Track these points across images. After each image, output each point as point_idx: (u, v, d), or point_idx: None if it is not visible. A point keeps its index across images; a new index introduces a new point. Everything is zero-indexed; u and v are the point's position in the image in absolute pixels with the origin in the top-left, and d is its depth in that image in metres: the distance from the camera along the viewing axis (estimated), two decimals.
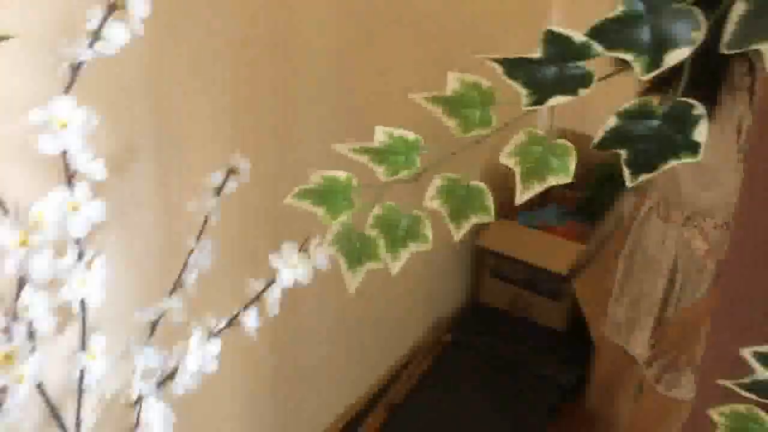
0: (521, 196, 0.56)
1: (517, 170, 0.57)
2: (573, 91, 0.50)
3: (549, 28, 0.47)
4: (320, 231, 1.95)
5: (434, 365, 2.18)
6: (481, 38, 2.13)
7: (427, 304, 2.31)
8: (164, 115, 1.21)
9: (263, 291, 0.87)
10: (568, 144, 0.54)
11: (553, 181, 0.58)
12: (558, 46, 0.48)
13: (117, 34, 0.72)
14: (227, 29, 1.29)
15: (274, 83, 1.46)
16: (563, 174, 0.56)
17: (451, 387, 2.11)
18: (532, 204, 2.57)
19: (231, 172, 1.05)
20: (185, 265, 1.03)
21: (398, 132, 0.55)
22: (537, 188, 0.56)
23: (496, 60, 0.49)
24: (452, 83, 0.54)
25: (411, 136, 0.55)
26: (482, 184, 0.58)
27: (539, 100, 0.50)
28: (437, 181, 0.58)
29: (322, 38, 1.54)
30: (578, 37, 0.47)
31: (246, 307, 0.87)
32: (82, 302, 0.82)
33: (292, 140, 1.55)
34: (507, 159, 0.56)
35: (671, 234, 1.62)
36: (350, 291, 0.55)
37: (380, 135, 0.55)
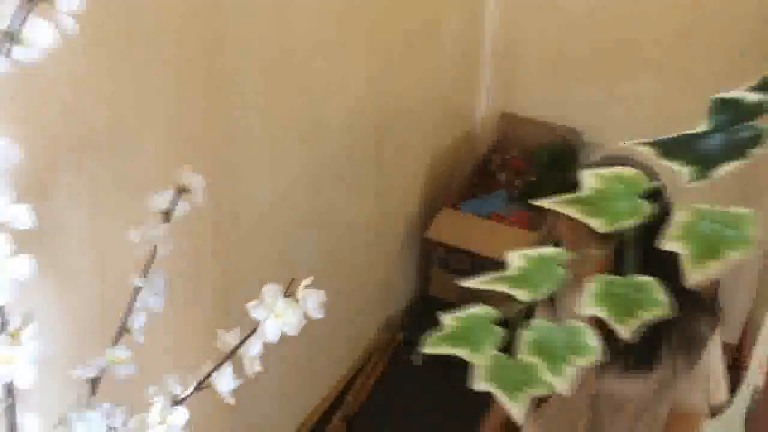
0: (693, 277, 0.49)
1: (686, 252, 0.48)
2: (743, 155, 0.39)
3: (717, 96, 0.38)
4: (308, 266, 1.78)
5: (388, 368, 2.07)
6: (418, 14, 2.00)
7: (378, 302, 2.19)
8: (94, 123, 1.01)
9: (239, 346, 0.71)
10: (743, 211, 0.42)
11: (735, 255, 0.49)
12: (727, 111, 0.38)
13: (41, 35, 0.54)
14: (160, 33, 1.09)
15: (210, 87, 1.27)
16: (742, 245, 0.46)
17: (405, 390, 2.01)
18: (477, 191, 2.48)
19: (181, 190, 0.88)
20: (130, 307, 0.85)
21: (535, 254, 0.55)
22: (714, 268, 0.49)
23: (647, 144, 0.39)
24: (590, 181, 0.48)
25: (550, 252, 0.54)
26: (648, 279, 0.52)
27: (705, 174, 0.39)
28: (594, 286, 0.53)
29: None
30: (750, 97, 0.37)
31: (218, 366, 0.71)
32: (9, 385, 0.63)
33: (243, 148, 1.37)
34: (672, 244, 0.46)
35: None
36: (519, 421, 0.53)
37: (516, 260, 0.55)
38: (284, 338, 1.93)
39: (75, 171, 0.96)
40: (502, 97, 2.55)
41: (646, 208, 0.50)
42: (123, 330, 0.86)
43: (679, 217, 0.46)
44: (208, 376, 0.71)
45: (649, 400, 1.35)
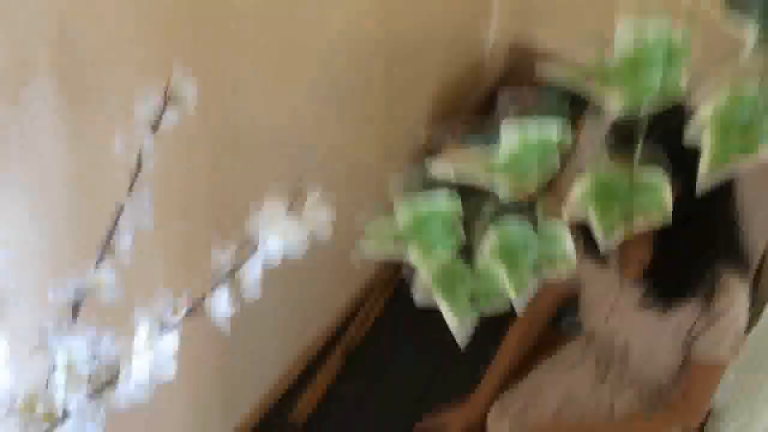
0: (706, 179, 0.45)
1: (711, 143, 0.42)
2: None
3: None
4: (311, 173, 1.69)
5: (388, 306, 2.01)
6: None
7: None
8: (70, 20, 0.91)
9: (237, 267, 0.63)
10: None
11: (763, 155, 0.43)
12: None
13: None
14: None
15: None
16: None
17: (408, 326, 1.95)
18: (485, 129, 2.36)
19: (170, 98, 0.78)
20: (115, 225, 0.76)
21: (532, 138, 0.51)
22: (734, 168, 0.44)
23: None
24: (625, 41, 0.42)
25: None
26: (656, 174, 0.48)
27: None
28: (587, 182, 0.48)
29: None
30: None
31: (213, 288, 0.63)
32: None
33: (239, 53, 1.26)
34: (698, 134, 0.42)
35: None
36: (461, 345, 0.49)
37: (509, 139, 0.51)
38: (283, 268, 1.85)
39: (50, 73, 0.86)
40: (514, 28, 2.42)
41: (677, 77, 0.44)
42: (106, 251, 0.78)
43: (713, 101, 0.39)
44: (202, 300, 0.64)
45: (660, 344, 1.30)
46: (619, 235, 0.48)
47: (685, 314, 1.24)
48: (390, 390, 1.71)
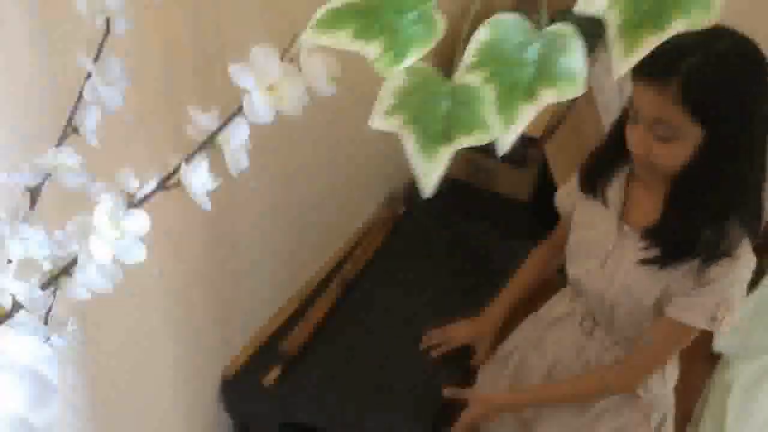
0: (622, 64, 0.38)
1: (616, 21, 0.38)
2: None
3: None
4: (303, 133, 1.55)
5: (387, 241, 1.91)
6: None
7: (378, 177, 2.01)
8: None
9: (218, 130, 0.52)
10: None
11: (681, 26, 0.36)
12: None
13: None
14: None
15: None
16: (701, 9, 0.34)
17: (405, 261, 1.86)
18: None
19: None
20: (79, 99, 0.65)
21: None
22: (651, 43, 0.38)
23: None
24: None
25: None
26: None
27: None
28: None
29: None
30: None
31: (190, 156, 0.52)
32: None
33: None
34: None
35: None
36: (425, 194, 0.37)
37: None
38: (282, 204, 1.74)
39: None
40: None
41: None
42: (70, 128, 0.67)
43: None
44: (176, 171, 0.53)
45: (645, 306, 1.19)
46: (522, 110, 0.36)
47: (677, 275, 1.13)
48: (384, 322, 1.63)
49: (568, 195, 1.33)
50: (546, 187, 2.01)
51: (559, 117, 2.00)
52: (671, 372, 1.30)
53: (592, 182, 1.23)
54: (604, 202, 1.21)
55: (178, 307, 1.31)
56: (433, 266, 1.83)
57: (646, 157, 1.08)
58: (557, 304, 1.39)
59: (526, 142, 1.99)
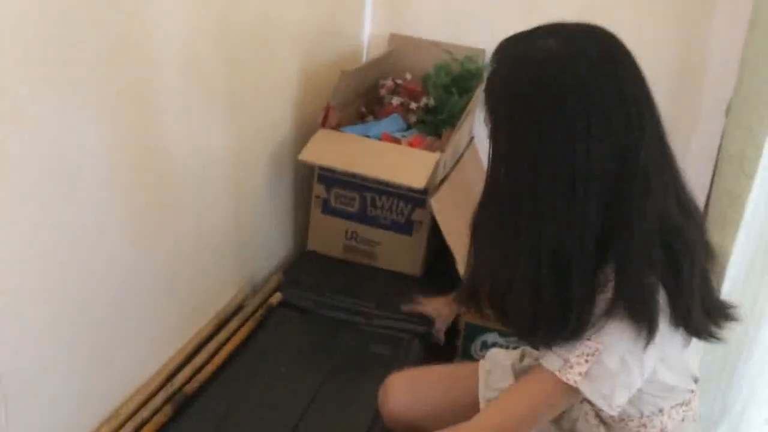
0: None
1: None
2: None
3: None
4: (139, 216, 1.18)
5: (254, 333, 1.55)
6: None
7: (238, 262, 1.69)
8: None
9: None
10: None
11: None
12: None
13: None
14: None
15: None
16: None
17: (273, 353, 1.49)
18: (365, 119, 2.00)
19: None
20: None
21: None
22: None
23: None
24: None
25: None
26: None
27: None
28: None
29: None
30: None
31: None
32: None
33: None
34: None
35: None
36: None
37: None
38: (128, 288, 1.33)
39: None
40: (387, 18, 2.15)
41: None
42: None
43: None
44: None
45: None
46: None
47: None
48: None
49: None
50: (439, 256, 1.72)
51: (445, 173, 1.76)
52: None
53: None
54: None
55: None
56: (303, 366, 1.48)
57: None
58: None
59: (415, 194, 1.71)
